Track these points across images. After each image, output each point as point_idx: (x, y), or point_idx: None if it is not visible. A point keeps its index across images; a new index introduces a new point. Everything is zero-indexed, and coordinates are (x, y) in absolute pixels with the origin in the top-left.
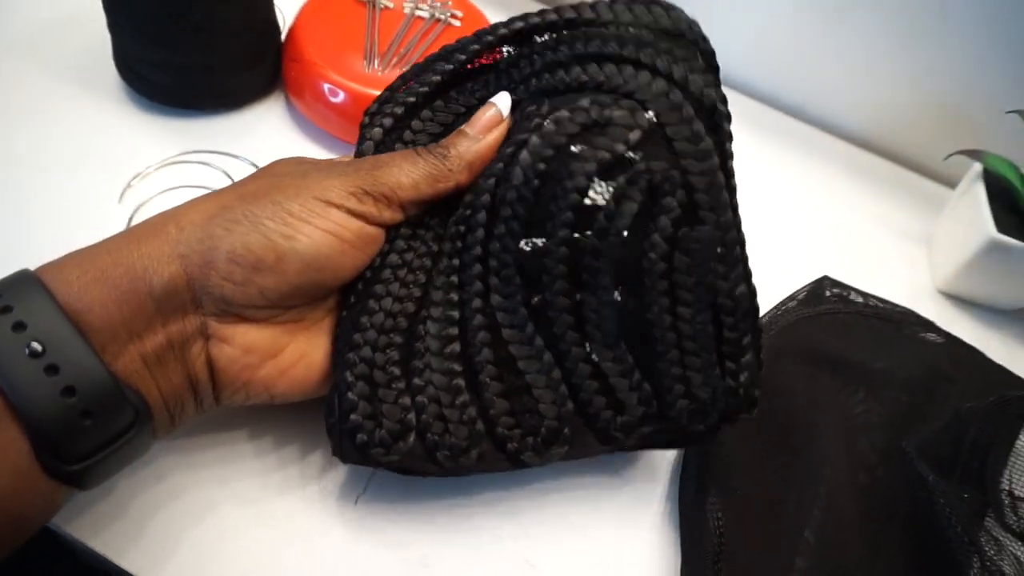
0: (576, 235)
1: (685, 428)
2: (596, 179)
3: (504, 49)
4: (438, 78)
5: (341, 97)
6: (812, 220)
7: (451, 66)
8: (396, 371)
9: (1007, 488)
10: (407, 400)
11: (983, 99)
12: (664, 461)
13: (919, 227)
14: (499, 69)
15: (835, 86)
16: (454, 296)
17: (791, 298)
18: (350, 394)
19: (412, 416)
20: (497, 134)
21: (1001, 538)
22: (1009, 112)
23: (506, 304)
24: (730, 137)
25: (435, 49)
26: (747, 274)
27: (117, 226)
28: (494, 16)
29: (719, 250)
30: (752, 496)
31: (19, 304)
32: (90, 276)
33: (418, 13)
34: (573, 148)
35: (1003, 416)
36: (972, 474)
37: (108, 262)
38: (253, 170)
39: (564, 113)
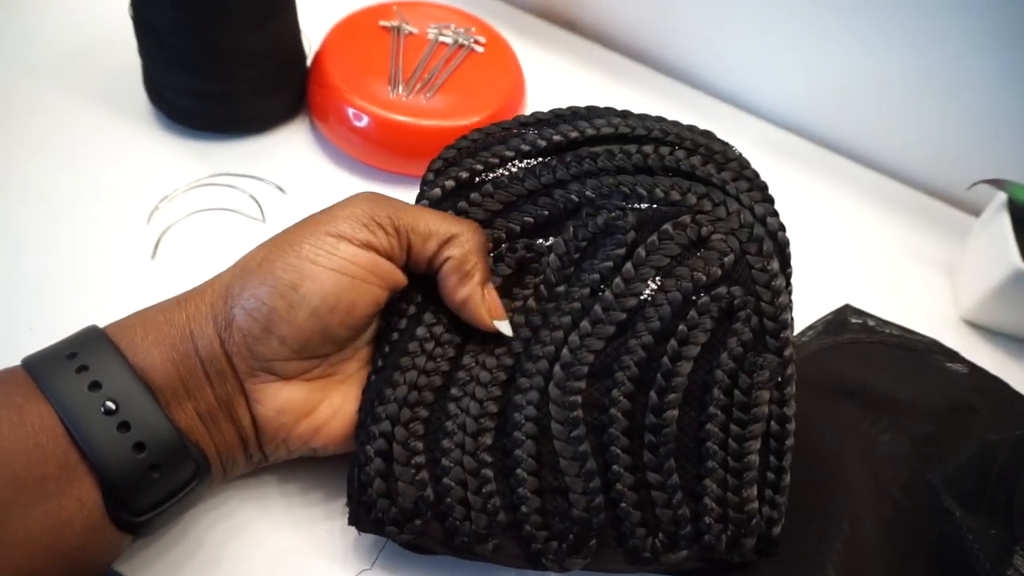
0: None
1: (717, 556)
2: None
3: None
4: (511, 153)
5: (365, 122)
6: (835, 247)
7: (527, 147)
8: (419, 445)
9: None
10: (425, 477)
11: (1007, 128)
12: None
13: (943, 255)
14: (567, 161)
15: (860, 114)
16: (499, 384)
17: (813, 326)
18: (368, 468)
19: (430, 494)
20: (483, 317)
21: None
22: None
23: (564, 399)
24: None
25: (458, 75)
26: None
27: (145, 247)
28: (518, 44)
29: (779, 379)
30: None
31: (93, 363)
32: (151, 337)
33: (442, 39)
34: (677, 256)
35: None
36: (999, 508)
37: (164, 324)
38: (278, 193)
39: (668, 228)
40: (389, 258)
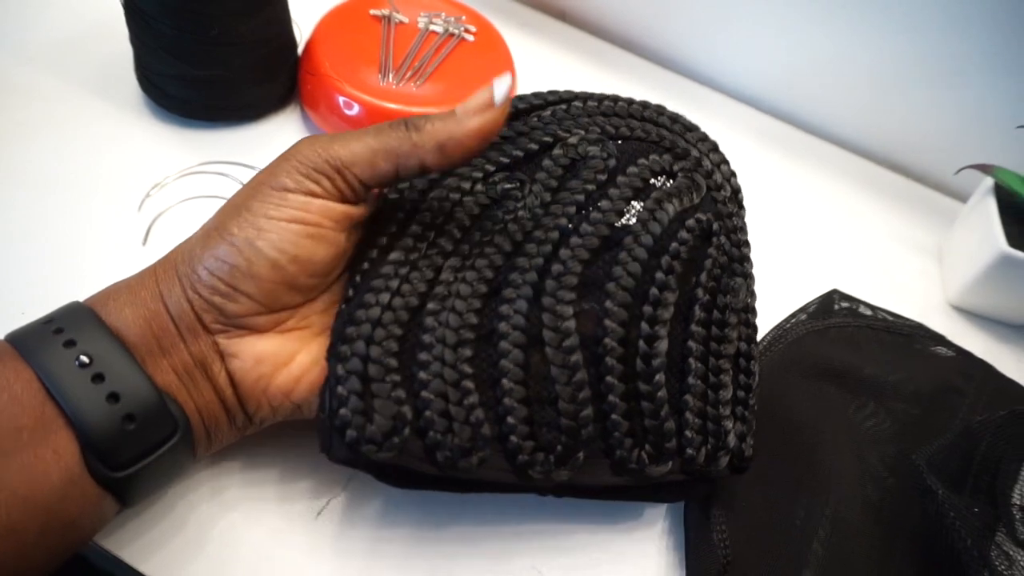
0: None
1: (697, 470)
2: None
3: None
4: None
5: (356, 110)
6: (822, 233)
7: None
8: (393, 363)
9: (1018, 503)
10: (402, 393)
11: (994, 114)
12: None
13: (930, 241)
14: (544, 112)
15: (847, 100)
16: (483, 288)
17: (800, 311)
18: (340, 388)
19: (408, 410)
20: (483, 121)
21: (1012, 553)
22: (1020, 127)
23: (557, 308)
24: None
25: (448, 63)
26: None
27: (136, 234)
28: (508, 32)
29: (748, 300)
30: (759, 510)
31: (69, 326)
32: (123, 299)
33: (432, 28)
34: (654, 182)
35: (1014, 430)
36: (983, 488)
37: (136, 287)
38: None
39: (643, 160)
40: (341, 200)
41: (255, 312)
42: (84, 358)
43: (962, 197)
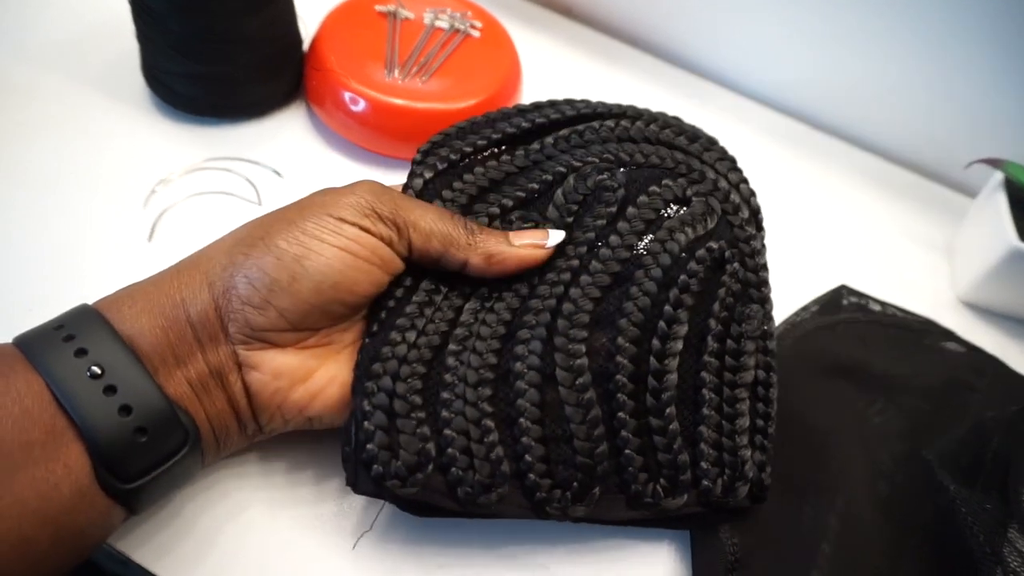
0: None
1: (715, 501)
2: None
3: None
4: (497, 136)
5: (362, 106)
6: (831, 229)
7: (512, 129)
8: (417, 400)
9: None
10: (427, 431)
11: (1003, 108)
12: None
13: (939, 236)
14: (551, 142)
15: (856, 96)
16: (501, 330)
17: (808, 307)
18: (367, 423)
19: (432, 447)
20: (528, 254)
21: None
22: None
23: (570, 347)
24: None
25: (454, 59)
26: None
27: (141, 231)
28: (514, 29)
29: (765, 327)
30: (767, 507)
31: (80, 333)
32: (139, 306)
33: (438, 24)
34: (665, 212)
35: None
36: (995, 484)
37: (153, 292)
38: (274, 177)
39: (655, 188)
40: (389, 246)
41: (282, 328)
42: (96, 369)
43: (971, 192)
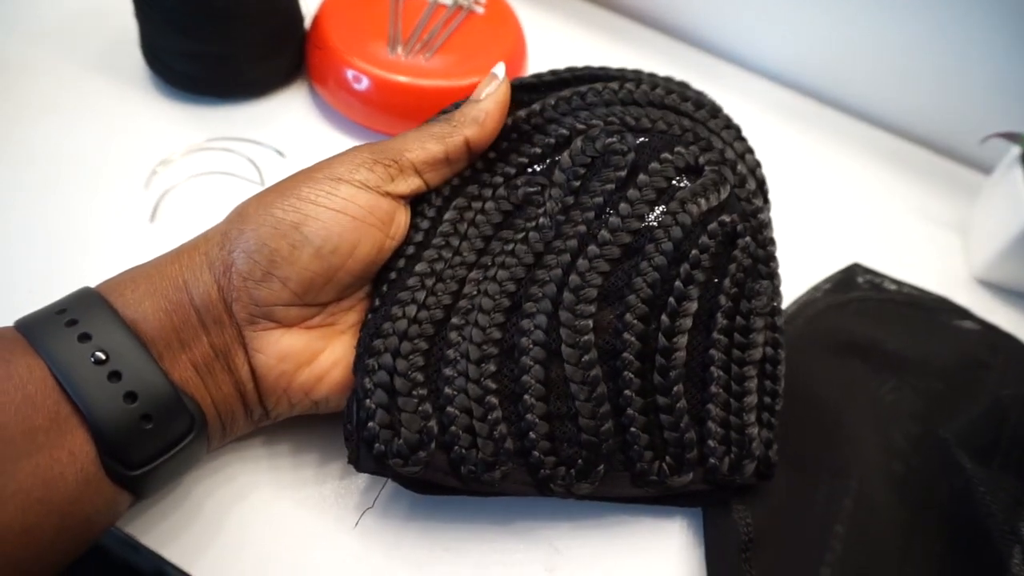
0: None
1: (721, 479)
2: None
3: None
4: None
5: (364, 84)
6: (843, 208)
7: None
8: (419, 377)
9: None
10: (429, 408)
11: (1019, 80)
12: None
13: (953, 214)
14: (554, 103)
15: (867, 71)
16: (505, 302)
17: (821, 285)
18: (368, 401)
19: (434, 425)
20: (496, 91)
21: None
22: None
23: (576, 324)
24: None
25: (458, 36)
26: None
27: (143, 211)
28: (519, 5)
29: (774, 304)
30: (780, 487)
31: (83, 317)
32: (142, 290)
33: (441, 0)
34: (677, 181)
35: None
36: (1012, 463)
37: (156, 276)
38: (277, 156)
39: (667, 155)
40: (390, 194)
41: (287, 302)
42: (100, 354)
43: (986, 169)
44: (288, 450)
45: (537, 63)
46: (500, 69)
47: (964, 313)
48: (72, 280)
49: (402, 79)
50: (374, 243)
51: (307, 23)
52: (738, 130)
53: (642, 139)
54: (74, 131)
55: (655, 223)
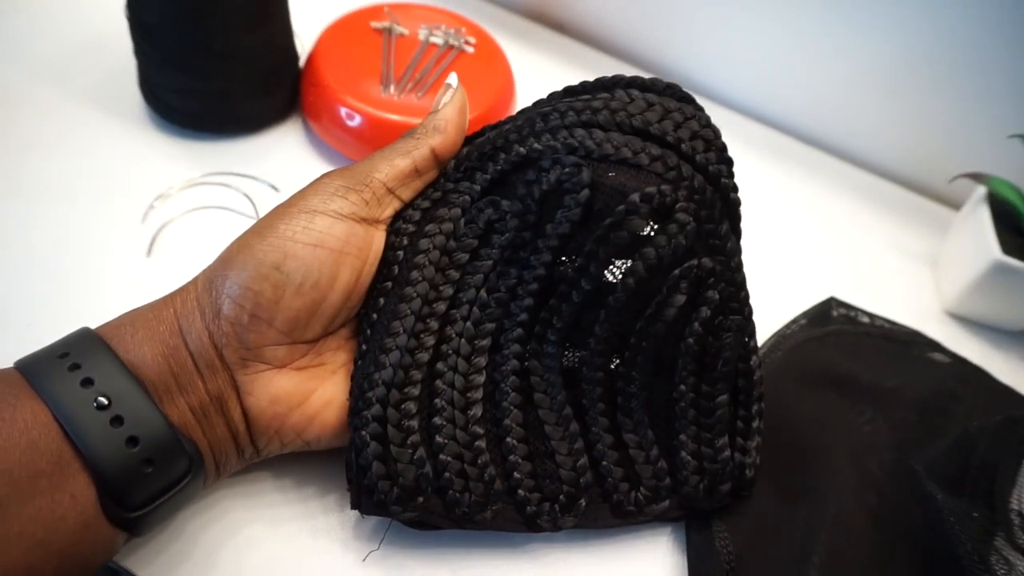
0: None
1: (697, 505)
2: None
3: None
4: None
5: (357, 121)
6: (819, 242)
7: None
8: (413, 425)
9: (1016, 508)
10: (423, 454)
11: (986, 123)
12: None
13: (925, 249)
14: (519, 124)
15: (841, 110)
16: (483, 353)
17: (798, 319)
18: (365, 453)
19: (429, 471)
20: (455, 100)
21: (1011, 558)
22: (1011, 136)
23: (542, 369)
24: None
25: (449, 74)
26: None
27: (140, 246)
28: (508, 45)
29: (745, 339)
30: (759, 516)
31: (85, 362)
32: (141, 334)
33: (432, 40)
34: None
35: (1010, 436)
36: (981, 493)
37: (153, 320)
38: (271, 191)
39: (634, 198)
40: (365, 219)
41: (275, 341)
42: (103, 399)
43: (955, 205)
44: (282, 485)
45: (525, 99)
46: (453, 79)
47: (936, 346)
48: (70, 314)
49: (394, 117)
50: (353, 271)
51: (302, 62)
52: (722, 150)
53: (606, 171)
54: (72, 165)
55: (617, 277)
